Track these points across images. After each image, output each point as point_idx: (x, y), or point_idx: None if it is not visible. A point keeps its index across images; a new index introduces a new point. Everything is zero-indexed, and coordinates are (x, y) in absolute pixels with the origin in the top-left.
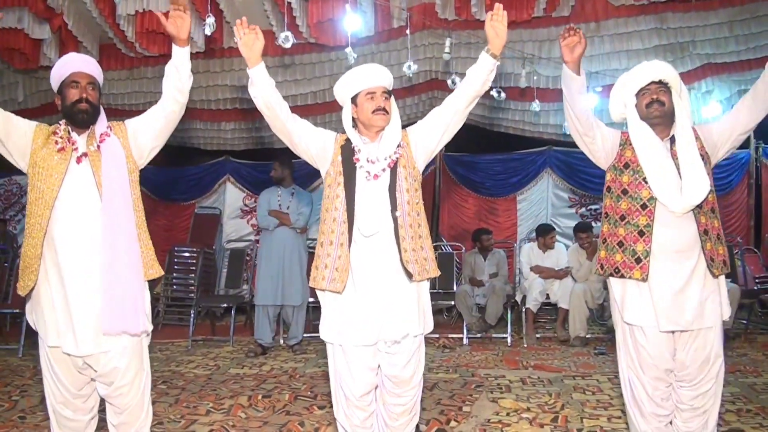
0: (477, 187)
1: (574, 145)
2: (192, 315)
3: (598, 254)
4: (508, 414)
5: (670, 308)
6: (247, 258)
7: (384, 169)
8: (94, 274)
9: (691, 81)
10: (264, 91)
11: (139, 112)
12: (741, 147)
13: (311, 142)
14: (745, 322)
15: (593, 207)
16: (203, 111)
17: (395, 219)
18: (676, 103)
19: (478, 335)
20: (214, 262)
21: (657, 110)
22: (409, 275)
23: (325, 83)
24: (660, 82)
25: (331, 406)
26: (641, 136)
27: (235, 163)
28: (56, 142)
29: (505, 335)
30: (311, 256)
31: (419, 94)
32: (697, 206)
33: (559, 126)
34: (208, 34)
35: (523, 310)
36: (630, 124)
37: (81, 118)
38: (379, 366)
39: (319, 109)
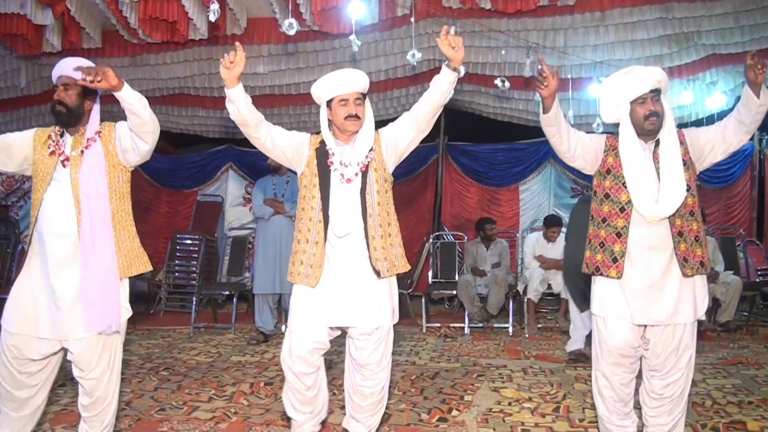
0: (480, 177)
1: None
2: (194, 302)
3: (585, 254)
4: (509, 403)
5: (643, 303)
6: (249, 246)
7: (357, 173)
8: (73, 271)
9: (696, 72)
10: (241, 109)
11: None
12: None
13: (286, 147)
14: (746, 314)
15: None
16: (206, 98)
17: (365, 220)
18: (666, 107)
19: (480, 325)
20: (216, 249)
21: (654, 123)
22: (377, 272)
23: (329, 71)
24: (655, 90)
25: (334, 394)
26: (627, 144)
27: (238, 151)
28: (49, 146)
29: (506, 325)
30: None
31: (423, 83)
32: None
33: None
34: (213, 20)
35: (525, 300)
36: (621, 132)
37: (58, 120)
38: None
39: None
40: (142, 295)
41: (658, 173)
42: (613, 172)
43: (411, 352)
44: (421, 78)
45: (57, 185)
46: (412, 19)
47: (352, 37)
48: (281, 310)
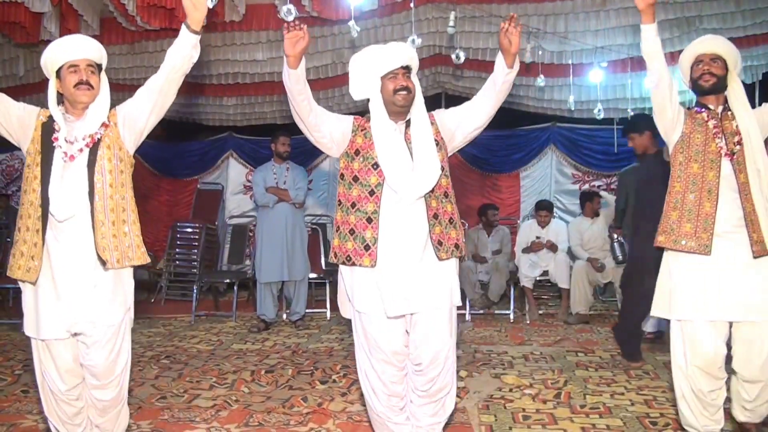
0: (480, 164)
1: (578, 121)
2: (194, 290)
3: (333, 242)
4: (510, 390)
5: (397, 293)
6: (250, 234)
7: (81, 149)
8: None
9: None
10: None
11: (140, 87)
12: None
13: (8, 117)
14: None
15: (596, 183)
16: (204, 86)
17: (92, 202)
18: (417, 86)
19: (481, 311)
20: (217, 237)
21: (405, 98)
22: (103, 262)
23: (328, 58)
24: (406, 66)
25: (334, 381)
26: (379, 122)
27: (238, 139)
28: None
29: (507, 312)
30: (312, 231)
31: (423, 69)
32: (429, 191)
33: (563, 102)
34: (211, 6)
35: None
36: (372, 109)
37: None
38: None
39: (322, 85)
40: (143, 283)
41: (411, 154)
42: (362, 153)
43: None
44: (421, 64)
45: None
46: (412, 5)
47: (352, 23)
48: (283, 298)
